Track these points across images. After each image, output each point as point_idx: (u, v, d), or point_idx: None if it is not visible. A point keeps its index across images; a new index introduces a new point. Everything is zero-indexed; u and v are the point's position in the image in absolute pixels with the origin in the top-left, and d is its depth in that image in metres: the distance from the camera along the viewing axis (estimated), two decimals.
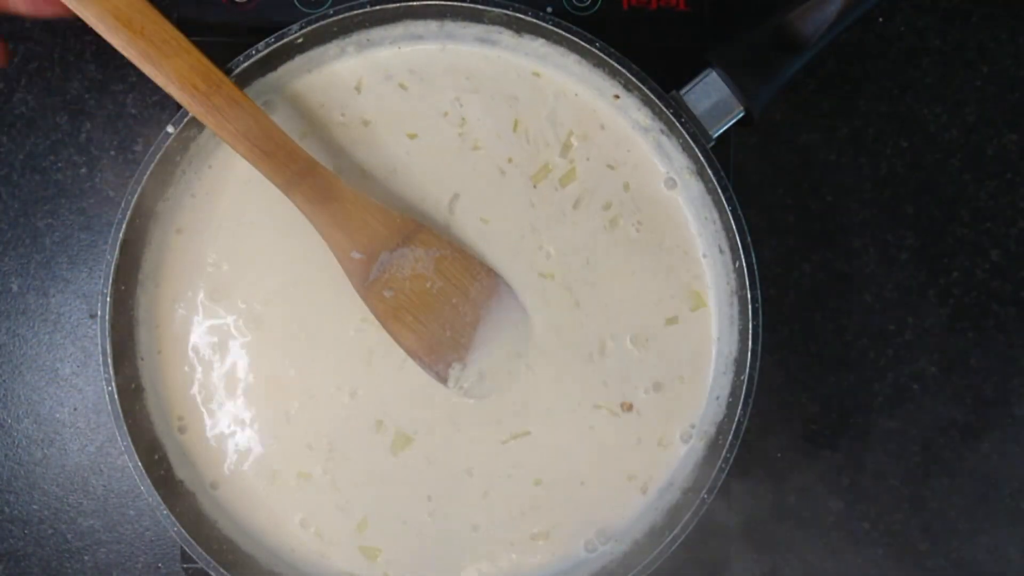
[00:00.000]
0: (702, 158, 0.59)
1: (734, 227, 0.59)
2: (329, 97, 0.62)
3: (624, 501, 0.62)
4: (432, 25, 0.62)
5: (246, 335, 0.62)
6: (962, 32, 0.72)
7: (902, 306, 0.71)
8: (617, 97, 0.62)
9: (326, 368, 0.62)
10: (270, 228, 0.62)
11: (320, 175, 0.58)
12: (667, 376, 0.62)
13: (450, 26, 0.62)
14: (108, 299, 0.58)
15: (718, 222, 0.61)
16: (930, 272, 0.71)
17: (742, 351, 0.60)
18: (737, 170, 0.68)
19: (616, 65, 0.59)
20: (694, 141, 0.59)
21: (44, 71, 0.70)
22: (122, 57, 0.54)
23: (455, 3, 0.59)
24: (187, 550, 0.58)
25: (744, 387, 0.59)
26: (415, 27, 0.62)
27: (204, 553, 0.58)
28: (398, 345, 0.60)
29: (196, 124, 0.59)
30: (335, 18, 0.59)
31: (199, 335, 0.62)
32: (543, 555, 0.62)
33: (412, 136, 0.62)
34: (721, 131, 0.60)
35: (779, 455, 0.71)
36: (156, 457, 0.60)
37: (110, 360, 0.58)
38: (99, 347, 0.58)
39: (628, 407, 0.62)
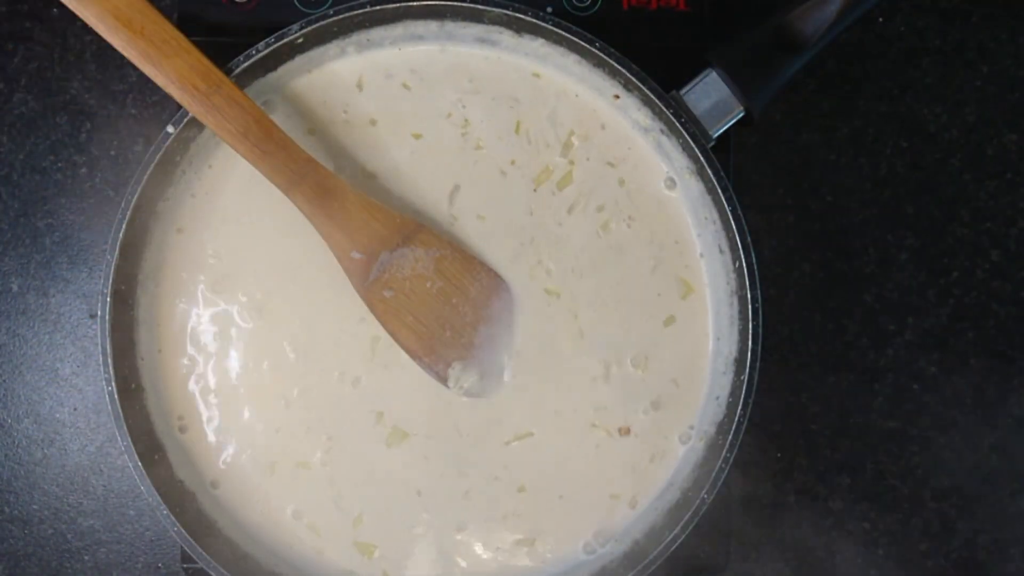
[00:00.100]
0: (702, 158, 0.59)
1: (734, 227, 0.59)
2: (331, 96, 0.62)
3: (605, 517, 0.62)
4: (432, 25, 0.62)
5: (247, 324, 0.62)
6: (962, 32, 0.72)
7: (902, 306, 0.71)
8: (617, 97, 0.62)
9: (329, 357, 0.62)
10: (271, 227, 0.62)
11: (320, 175, 0.58)
12: (665, 393, 0.63)
13: (450, 26, 0.62)
14: (108, 299, 0.58)
15: (718, 222, 0.61)
16: (930, 272, 0.71)
17: (742, 351, 0.60)
18: (737, 170, 0.68)
19: (616, 65, 0.59)
20: (694, 141, 0.59)
21: (44, 71, 0.70)
22: (122, 57, 0.54)
23: (455, 3, 0.60)
24: (187, 550, 0.58)
25: (744, 387, 0.59)
26: (415, 27, 0.62)
27: (204, 553, 0.58)
28: (397, 344, 0.60)
29: (196, 124, 0.59)
30: (335, 18, 0.59)
31: (199, 326, 0.62)
32: (530, 561, 0.62)
33: (417, 136, 0.62)
34: (721, 131, 0.60)
35: (779, 455, 0.71)
36: (156, 457, 0.60)
37: (110, 360, 0.58)
38: (99, 347, 0.58)
39: (625, 431, 0.62)
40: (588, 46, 0.59)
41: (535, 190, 0.62)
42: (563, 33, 0.59)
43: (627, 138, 0.63)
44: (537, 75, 0.63)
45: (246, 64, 0.58)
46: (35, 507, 0.70)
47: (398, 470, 0.62)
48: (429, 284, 0.60)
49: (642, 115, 0.62)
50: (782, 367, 0.71)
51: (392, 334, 0.60)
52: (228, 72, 0.57)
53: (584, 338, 0.62)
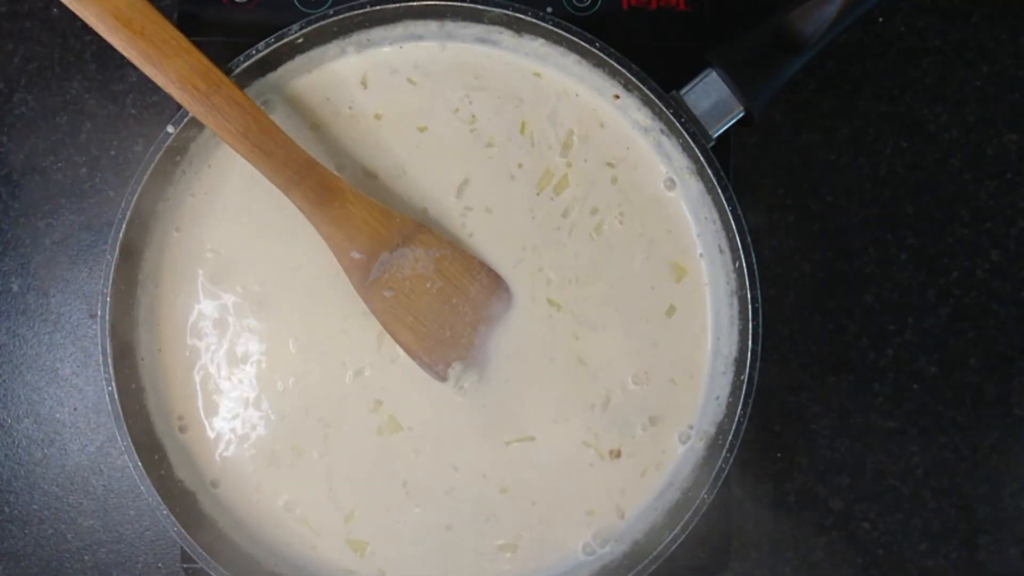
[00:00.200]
0: (702, 158, 0.59)
1: (734, 227, 0.59)
2: (335, 93, 0.62)
3: (577, 532, 0.62)
4: (432, 25, 0.62)
5: (247, 316, 0.62)
6: (962, 32, 0.72)
7: (902, 306, 0.71)
8: (617, 97, 0.62)
9: (333, 348, 0.62)
10: (272, 225, 0.62)
11: (320, 174, 0.58)
12: (664, 401, 0.62)
13: (450, 26, 0.62)
14: (108, 299, 0.58)
15: (718, 222, 0.61)
16: (930, 272, 0.71)
17: (742, 351, 0.60)
18: (737, 170, 0.68)
19: (616, 65, 0.59)
20: (694, 141, 0.59)
21: (44, 71, 0.70)
22: (122, 57, 0.54)
23: (455, 3, 0.60)
24: (187, 550, 0.58)
25: (744, 387, 0.59)
26: (415, 27, 0.62)
27: (204, 553, 0.58)
28: (397, 344, 0.60)
29: (196, 124, 0.59)
30: (335, 18, 0.59)
31: (200, 319, 0.62)
32: (514, 567, 0.62)
33: (423, 129, 0.62)
34: (721, 131, 0.60)
35: (779, 455, 0.71)
36: (156, 457, 0.60)
37: (110, 360, 0.58)
38: (99, 347, 0.58)
39: (616, 454, 0.62)
40: (588, 46, 0.59)
41: (538, 194, 0.62)
42: (563, 33, 0.59)
43: (626, 138, 0.63)
44: (538, 74, 0.63)
45: (246, 64, 0.58)
46: (35, 507, 0.70)
47: (391, 460, 0.62)
48: (429, 284, 0.60)
49: (642, 115, 0.62)
50: (782, 367, 0.71)
51: (392, 334, 0.60)
52: (228, 72, 0.57)
53: (584, 348, 0.62)
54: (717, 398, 0.62)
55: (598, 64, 0.61)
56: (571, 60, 0.62)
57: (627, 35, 0.66)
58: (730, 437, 0.59)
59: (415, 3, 0.60)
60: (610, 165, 0.63)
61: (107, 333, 0.58)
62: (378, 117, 0.62)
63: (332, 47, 0.62)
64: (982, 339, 0.71)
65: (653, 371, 0.62)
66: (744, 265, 0.59)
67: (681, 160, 0.62)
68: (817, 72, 0.71)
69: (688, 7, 0.66)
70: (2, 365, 0.70)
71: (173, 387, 0.62)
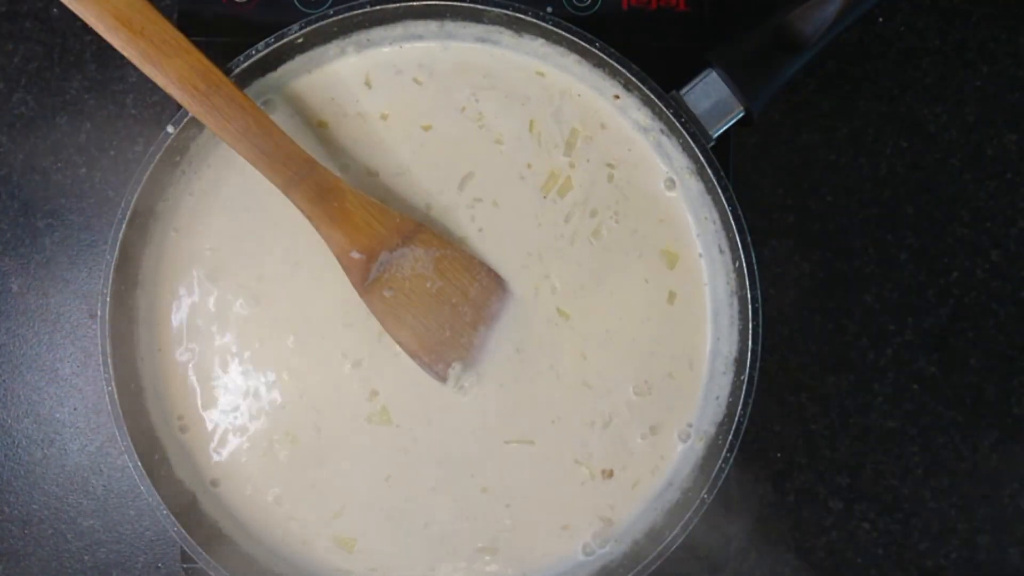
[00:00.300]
0: (702, 158, 0.59)
1: (734, 227, 0.59)
2: (340, 92, 0.62)
3: (551, 544, 0.62)
4: (432, 25, 0.62)
5: (247, 312, 0.62)
6: (962, 32, 0.72)
7: (902, 306, 0.71)
8: (617, 97, 0.62)
9: (333, 337, 0.62)
10: (272, 224, 0.62)
11: (319, 174, 0.58)
12: (663, 413, 0.62)
13: (450, 26, 0.62)
14: (108, 299, 0.58)
15: (718, 222, 0.61)
16: (930, 272, 0.71)
17: (742, 351, 0.60)
18: (737, 170, 0.68)
19: (616, 65, 0.59)
20: (694, 141, 0.59)
21: (44, 71, 0.70)
22: (122, 57, 0.54)
23: (455, 3, 0.60)
24: (187, 550, 0.58)
25: (744, 387, 0.59)
26: (415, 27, 0.62)
27: (204, 553, 0.58)
28: (397, 344, 0.60)
29: (196, 124, 0.59)
30: (335, 18, 0.59)
31: (199, 315, 0.62)
32: (498, 567, 0.62)
33: (427, 128, 0.62)
34: (721, 131, 0.60)
35: (779, 455, 0.71)
36: (156, 457, 0.60)
37: (110, 360, 0.58)
38: (99, 347, 0.58)
39: (608, 474, 0.62)
40: (588, 46, 0.59)
41: (544, 197, 0.62)
42: (563, 33, 0.59)
43: (628, 139, 0.63)
44: (541, 73, 0.63)
45: (246, 64, 0.58)
46: (35, 507, 0.70)
47: (376, 453, 0.62)
48: (429, 284, 0.60)
49: (642, 115, 0.62)
50: (782, 367, 0.71)
51: (392, 334, 0.60)
52: (228, 72, 0.57)
53: (591, 369, 0.62)
54: (717, 398, 0.62)
55: (598, 64, 0.61)
56: (571, 60, 0.62)
57: (627, 35, 0.66)
58: (730, 437, 0.59)
59: (415, 3, 0.60)
60: (610, 166, 0.63)
61: (107, 333, 0.58)
62: (384, 117, 0.62)
63: (332, 47, 0.62)
64: (982, 339, 0.71)
65: (654, 377, 0.62)
66: (744, 265, 0.59)
67: (681, 160, 0.62)
68: (817, 72, 0.71)
69: (688, 7, 0.66)
70: (2, 365, 0.70)
71: (173, 387, 0.62)
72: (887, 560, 0.71)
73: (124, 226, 0.58)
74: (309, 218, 0.58)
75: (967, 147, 0.71)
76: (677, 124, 0.59)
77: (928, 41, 0.72)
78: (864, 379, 0.71)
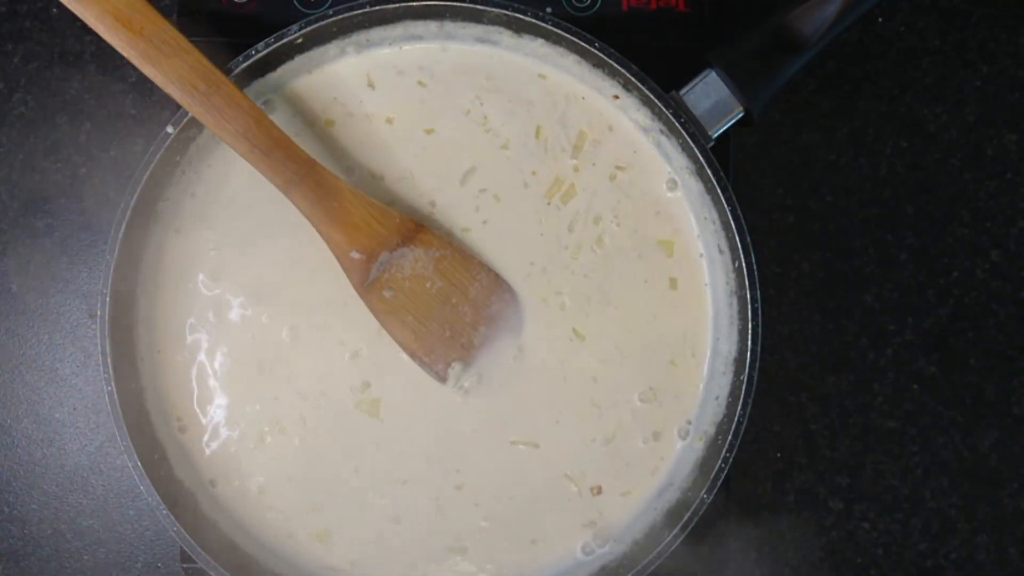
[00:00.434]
0: (702, 158, 0.59)
1: (734, 227, 0.59)
2: (342, 93, 0.62)
3: (522, 552, 0.62)
4: (432, 25, 0.62)
5: (247, 311, 0.62)
6: (962, 32, 0.72)
7: (902, 306, 0.71)
8: (616, 97, 0.62)
9: (332, 331, 0.62)
10: (272, 224, 0.62)
11: (319, 174, 0.58)
12: (666, 418, 0.62)
13: (449, 26, 0.62)
14: (108, 299, 0.58)
15: (718, 222, 0.61)
16: (930, 272, 0.71)
17: (741, 351, 0.60)
18: (737, 170, 0.68)
19: (616, 65, 0.59)
20: (694, 141, 0.59)
21: (44, 71, 0.70)
22: (122, 57, 0.54)
23: (455, 3, 0.59)
24: (187, 550, 0.58)
25: (744, 387, 0.59)
26: (415, 27, 0.62)
27: (204, 553, 0.58)
28: (397, 344, 0.60)
29: (196, 124, 0.59)
30: (335, 18, 0.59)
31: (199, 317, 0.62)
32: (473, 567, 0.62)
33: (430, 131, 0.62)
34: (721, 131, 0.60)
35: (779, 455, 0.71)
36: (156, 457, 0.60)
37: (110, 360, 0.58)
38: (99, 347, 0.58)
39: (597, 491, 0.62)
40: (587, 46, 0.59)
41: (548, 203, 0.62)
42: (562, 33, 0.59)
43: (633, 141, 0.63)
44: (543, 76, 0.63)
45: (246, 64, 0.58)
46: (35, 507, 0.70)
47: (352, 441, 0.62)
48: (429, 284, 0.60)
49: (642, 115, 0.62)
50: (782, 367, 0.71)
51: (391, 334, 0.60)
52: (228, 72, 0.57)
53: (599, 390, 0.62)
54: (717, 398, 0.62)
55: (598, 64, 0.61)
56: (571, 60, 0.62)
57: (627, 35, 0.66)
58: (729, 437, 0.59)
59: (415, 3, 0.60)
60: (619, 168, 0.63)
61: (107, 333, 0.58)
62: (389, 121, 0.62)
63: (332, 47, 0.62)
64: (982, 339, 0.71)
65: (659, 376, 0.62)
66: (744, 265, 0.59)
67: (681, 160, 0.62)
68: (817, 72, 0.71)
69: (688, 7, 0.66)
70: (1, 365, 0.70)
71: (172, 387, 0.62)
72: (887, 560, 0.71)
73: (124, 226, 0.58)
74: (309, 218, 0.58)
75: (967, 147, 0.71)
76: (677, 124, 0.59)
77: (928, 41, 0.72)
78: (864, 379, 0.71)
